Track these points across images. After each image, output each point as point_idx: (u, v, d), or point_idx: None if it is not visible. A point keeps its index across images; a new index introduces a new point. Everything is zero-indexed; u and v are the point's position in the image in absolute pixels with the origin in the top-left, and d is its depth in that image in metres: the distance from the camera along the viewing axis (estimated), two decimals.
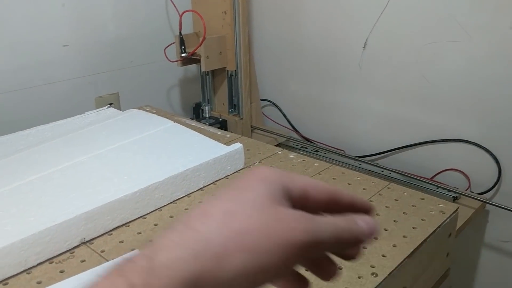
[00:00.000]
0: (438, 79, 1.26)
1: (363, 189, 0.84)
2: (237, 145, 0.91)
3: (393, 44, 1.34)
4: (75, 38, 1.44)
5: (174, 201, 0.81)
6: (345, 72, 1.52)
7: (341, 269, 0.56)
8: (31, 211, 0.71)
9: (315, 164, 0.94)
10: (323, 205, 0.32)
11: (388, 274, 0.62)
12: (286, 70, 1.70)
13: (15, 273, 0.62)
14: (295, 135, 1.75)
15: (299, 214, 0.29)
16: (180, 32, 1.43)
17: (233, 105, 1.56)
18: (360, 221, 0.32)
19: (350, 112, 1.56)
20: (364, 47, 1.44)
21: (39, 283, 0.61)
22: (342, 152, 1.59)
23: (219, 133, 1.10)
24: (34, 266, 0.64)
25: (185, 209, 0.78)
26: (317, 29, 1.54)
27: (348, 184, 0.86)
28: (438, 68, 1.25)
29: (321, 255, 0.33)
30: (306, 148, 1.59)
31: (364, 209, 0.34)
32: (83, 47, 1.47)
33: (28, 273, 0.63)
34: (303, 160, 0.96)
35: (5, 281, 0.61)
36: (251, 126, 1.60)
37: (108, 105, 1.27)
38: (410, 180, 1.26)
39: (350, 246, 0.32)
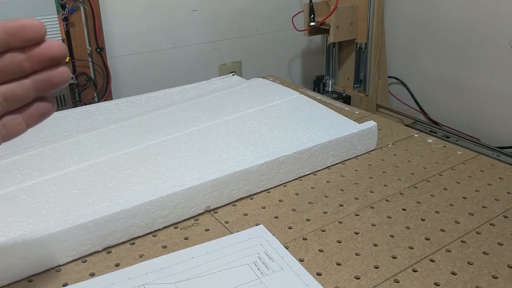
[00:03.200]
0: None
1: None
2: (371, 123, 0.83)
3: None
4: (205, 3, 1.44)
5: (299, 177, 0.76)
6: (491, 51, 1.34)
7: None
8: (159, 173, 0.70)
9: (458, 152, 0.83)
10: None
11: None
12: (418, 46, 1.55)
13: (141, 234, 0.62)
14: (422, 117, 1.61)
15: None
16: (310, 0, 1.35)
17: (359, 80, 1.47)
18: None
19: (492, 96, 1.38)
20: None
21: (164, 247, 0.60)
22: (477, 140, 1.43)
23: (347, 108, 1.03)
24: (159, 229, 0.63)
25: (311, 188, 0.73)
26: (459, 0, 1.37)
27: (500, 178, 0.74)
28: None
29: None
30: (436, 132, 1.45)
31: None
32: (211, 13, 1.46)
33: (154, 236, 0.62)
34: (444, 147, 0.85)
35: (132, 240, 0.61)
36: (376, 105, 1.49)
37: (231, 73, 1.25)
38: None
39: (30, 43, 0.33)
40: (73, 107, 1.19)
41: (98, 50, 1.25)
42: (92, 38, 1.24)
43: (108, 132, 0.84)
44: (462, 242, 0.60)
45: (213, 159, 0.74)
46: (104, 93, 1.29)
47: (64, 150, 0.77)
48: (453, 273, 0.54)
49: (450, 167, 0.78)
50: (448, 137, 1.41)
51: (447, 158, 0.81)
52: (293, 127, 0.85)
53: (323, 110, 0.93)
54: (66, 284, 0.54)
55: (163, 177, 0.69)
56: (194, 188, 0.65)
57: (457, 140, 1.39)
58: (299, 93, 1.01)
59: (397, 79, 1.65)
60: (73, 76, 1.19)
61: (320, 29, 1.39)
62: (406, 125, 1.47)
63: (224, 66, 1.56)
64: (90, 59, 1.25)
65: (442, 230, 0.62)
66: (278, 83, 1.15)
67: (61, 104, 1.15)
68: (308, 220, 0.65)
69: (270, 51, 1.64)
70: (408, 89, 1.63)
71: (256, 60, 1.63)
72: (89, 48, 1.25)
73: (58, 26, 1.13)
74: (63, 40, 1.16)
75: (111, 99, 1.31)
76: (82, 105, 1.25)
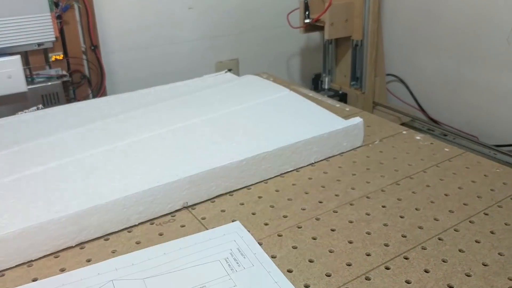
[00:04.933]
0: None
1: (503, 183, 0.71)
2: (357, 120, 0.83)
3: None
4: (200, 1, 1.44)
5: (281, 174, 0.75)
6: (490, 48, 1.32)
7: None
8: (138, 169, 0.70)
9: (445, 149, 0.82)
10: None
11: None
12: (417, 42, 1.54)
13: (116, 230, 0.62)
14: (421, 116, 1.59)
15: None
16: None
17: (356, 78, 1.46)
18: None
19: (491, 94, 1.36)
20: None
21: (138, 243, 0.60)
22: (475, 139, 1.41)
23: (338, 105, 1.02)
24: (135, 225, 0.63)
25: (293, 184, 0.72)
26: None
27: (485, 175, 0.73)
28: None
29: None
30: (433, 130, 1.44)
31: None
32: (207, 10, 1.46)
33: (129, 232, 0.62)
34: (431, 144, 0.84)
35: (106, 236, 0.61)
36: (373, 102, 1.48)
37: (226, 70, 1.24)
38: None
39: None
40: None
41: (93, 47, 1.25)
42: (86, 35, 1.24)
43: (94, 129, 0.84)
44: (439, 239, 0.59)
45: (195, 156, 0.73)
46: (98, 90, 1.29)
47: (47, 146, 0.77)
48: (426, 271, 0.53)
49: (435, 164, 0.77)
50: (445, 135, 1.39)
51: (433, 155, 0.80)
52: (278, 123, 0.84)
53: (311, 107, 0.92)
54: (36, 279, 0.54)
55: (142, 173, 0.69)
56: (171, 184, 0.65)
57: (454, 138, 1.37)
58: (289, 90, 1.00)
59: (396, 76, 1.64)
60: (66, 73, 1.19)
61: (315, 26, 1.38)
62: (403, 124, 1.45)
63: (221, 63, 1.56)
64: (84, 57, 1.26)
65: (420, 228, 0.61)
66: (272, 80, 1.14)
67: (55, 101, 1.16)
68: (285, 216, 0.64)
69: (268, 48, 1.64)
70: (407, 87, 1.62)
71: (253, 57, 1.63)
72: (84, 45, 1.26)
73: (52, 24, 1.14)
74: (56, 38, 1.16)
75: (106, 96, 1.31)
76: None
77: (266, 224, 0.63)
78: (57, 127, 0.86)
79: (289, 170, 0.76)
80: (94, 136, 0.81)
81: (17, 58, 1.08)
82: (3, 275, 0.55)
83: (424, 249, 0.57)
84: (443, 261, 0.55)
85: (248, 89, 1.03)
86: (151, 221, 0.64)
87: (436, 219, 0.63)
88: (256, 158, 0.72)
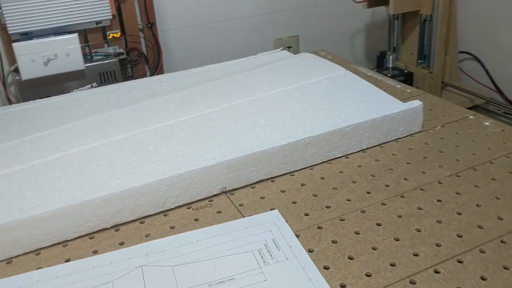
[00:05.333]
0: None
1: None
2: (415, 103, 0.75)
3: None
4: None
5: (328, 160, 0.70)
6: None
7: None
8: (179, 151, 0.68)
9: None
10: None
11: None
12: (496, 16, 1.39)
13: (152, 213, 0.60)
14: (498, 98, 1.45)
15: None
16: None
17: (423, 56, 1.35)
18: None
19: None
20: None
21: (172, 228, 0.58)
22: None
23: (398, 86, 0.94)
24: (171, 209, 0.61)
25: (340, 172, 0.67)
26: None
27: None
28: None
29: None
30: (511, 114, 1.30)
31: None
32: None
33: (165, 215, 0.61)
34: (502, 131, 0.75)
35: (142, 219, 0.60)
36: (442, 82, 1.37)
37: (283, 48, 1.19)
38: None
39: None
40: None
41: (149, 25, 1.25)
42: (143, 13, 1.24)
43: (140, 108, 0.84)
44: (502, 242, 0.52)
45: (237, 139, 0.70)
46: (155, 68, 1.29)
47: (94, 125, 0.78)
48: (483, 278, 0.47)
49: (505, 155, 0.68)
50: None
51: (502, 144, 0.71)
52: (329, 105, 0.79)
53: (367, 87, 0.86)
54: (68, 260, 0.54)
55: (182, 156, 0.67)
56: (208, 168, 0.62)
57: None
58: (345, 69, 0.94)
59: (471, 54, 1.50)
60: (123, 51, 1.20)
61: (380, 0, 1.29)
62: (476, 106, 1.33)
63: (279, 40, 1.50)
64: (141, 35, 1.26)
65: (479, 227, 0.54)
66: (330, 58, 1.08)
67: (112, 79, 1.17)
68: (328, 207, 0.60)
69: (330, 24, 1.56)
70: (483, 66, 1.48)
71: (315, 34, 1.56)
72: (140, 23, 1.26)
73: (109, 2, 1.14)
74: (113, 16, 1.17)
75: (162, 74, 1.31)
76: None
77: (306, 215, 0.59)
78: (106, 106, 0.87)
79: (337, 156, 0.71)
80: (140, 116, 0.80)
81: (74, 36, 1.09)
82: (39, 253, 0.55)
83: (482, 252, 0.50)
84: (505, 268, 0.48)
85: (301, 68, 0.98)
86: (188, 205, 0.62)
87: (500, 218, 0.55)
88: (301, 143, 0.67)
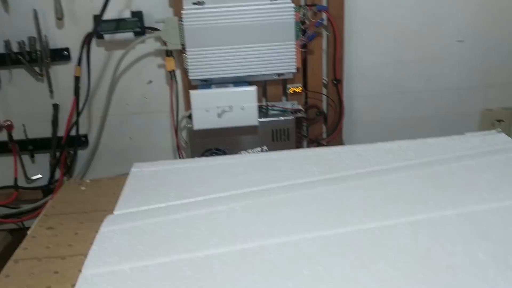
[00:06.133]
0: None
1: None
2: None
3: None
4: (476, 32, 1.14)
5: None
6: None
7: None
8: (358, 282, 0.50)
9: None
10: None
11: None
12: None
13: None
14: None
15: None
16: None
17: None
18: None
19: None
20: None
21: None
22: None
23: None
24: None
25: None
26: None
27: None
28: None
29: None
30: None
31: None
32: (481, 44, 1.16)
33: None
34: None
35: None
36: None
37: (499, 129, 0.92)
38: None
39: None
40: (296, 142, 1.07)
41: (335, 81, 1.10)
42: (331, 68, 1.10)
43: (312, 196, 0.68)
44: None
45: (451, 280, 0.49)
46: (333, 130, 1.14)
47: (254, 213, 0.64)
48: None
49: None
50: None
51: None
52: None
53: None
54: None
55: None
56: None
57: None
58: None
59: None
60: (302, 109, 1.07)
61: None
62: None
63: (489, 112, 1.22)
64: (324, 91, 1.12)
65: None
66: None
67: (284, 138, 1.05)
68: None
69: None
70: None
71: None
72: (326, 79, 1.12)
73: (294, 53, 1.03)
74: (297, 69, 1.05)
75: (340, 137, 1.16)
76: (308, 141, 1.13)
77: None
78: (276, 178, 0.73)
79: None
80: (307, 209, 0.64)
81: (253, 89, 1.00)
82: None
83: None
84: None
85: None
86: None
87: None
88: None
